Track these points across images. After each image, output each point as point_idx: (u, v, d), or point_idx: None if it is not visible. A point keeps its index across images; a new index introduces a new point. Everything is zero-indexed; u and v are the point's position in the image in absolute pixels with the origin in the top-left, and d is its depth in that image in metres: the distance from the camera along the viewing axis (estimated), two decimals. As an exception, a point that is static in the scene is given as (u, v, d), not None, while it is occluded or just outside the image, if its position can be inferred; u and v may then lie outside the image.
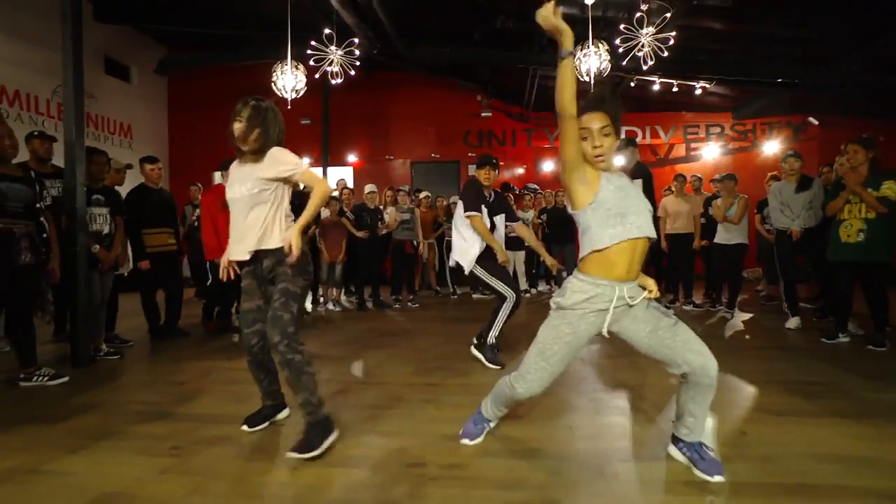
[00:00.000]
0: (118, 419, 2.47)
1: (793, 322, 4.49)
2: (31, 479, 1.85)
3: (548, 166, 10.28)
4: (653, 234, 1.74)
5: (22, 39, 7.54)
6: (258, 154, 2.12)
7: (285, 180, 2.14)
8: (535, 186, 9.58)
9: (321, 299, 6.39)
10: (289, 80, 6.27)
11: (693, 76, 7.58)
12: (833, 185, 4.05)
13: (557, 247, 7.45)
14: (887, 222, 3.63)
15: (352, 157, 10.37)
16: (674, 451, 1.87)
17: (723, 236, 5.54)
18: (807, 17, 5.95)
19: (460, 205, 3.68)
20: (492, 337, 3.44)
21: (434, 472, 1.86)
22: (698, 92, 7.98)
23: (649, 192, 4.96)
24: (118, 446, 2.15)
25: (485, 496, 1.68)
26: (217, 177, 4.58)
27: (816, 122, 8.97)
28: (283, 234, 2.10)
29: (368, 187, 6.40)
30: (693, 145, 9.82)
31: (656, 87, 8.00)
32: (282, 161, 2.10)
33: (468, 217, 3.56)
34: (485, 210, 3.62)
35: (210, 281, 4.73)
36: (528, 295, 7.33)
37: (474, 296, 7.34)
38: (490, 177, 3.68)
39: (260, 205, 2.11)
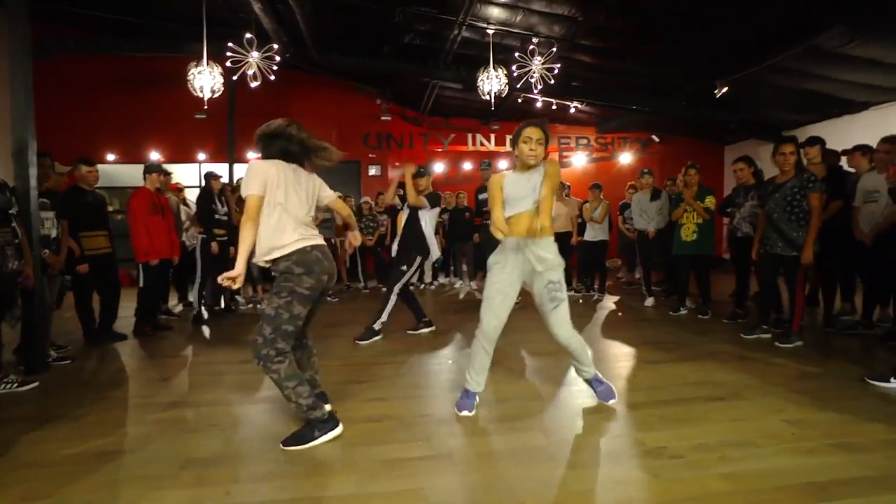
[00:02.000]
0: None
1: (650, 301, 5.88)
2: None
3: (439, 167, 11.17)
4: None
5: None
6: None
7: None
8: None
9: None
10: (206, 80, 6.29)
11: (568, 97, 8.96)
12: (675, 197, 5.44)
13: (458, 243, 8.37)
14: (710, 225, 5.07)
15: (252, 154, 10.26)
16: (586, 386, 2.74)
17: (589, 234, 6.90)
18: (651, 60, 7.54)
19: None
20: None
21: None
22: (572, 110, 9.43)
23: None
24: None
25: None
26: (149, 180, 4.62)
27: (657, 140, 11.06)
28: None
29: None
30: (565, 153, 11.42)
31: (538, 105, 9.28)
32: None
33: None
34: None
35: (142, 283, 4.73)
36: (432, 287, 8.14)
37: (384, 289, 7.94)
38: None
39: None
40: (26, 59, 3.48)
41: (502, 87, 6.94)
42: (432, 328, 4.64)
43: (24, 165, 3.41)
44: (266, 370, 2.18)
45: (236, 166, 9.16)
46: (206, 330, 4.96)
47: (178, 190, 6.34)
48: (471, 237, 8.26)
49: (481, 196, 6.30)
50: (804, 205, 3.73)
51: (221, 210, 5.48)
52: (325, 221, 6.97)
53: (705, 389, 2.87)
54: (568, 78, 8.16)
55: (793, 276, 3.81)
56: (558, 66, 6.86)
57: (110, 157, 9.68)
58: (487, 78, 6.85)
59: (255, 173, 2.18)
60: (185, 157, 10.04)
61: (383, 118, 10.55)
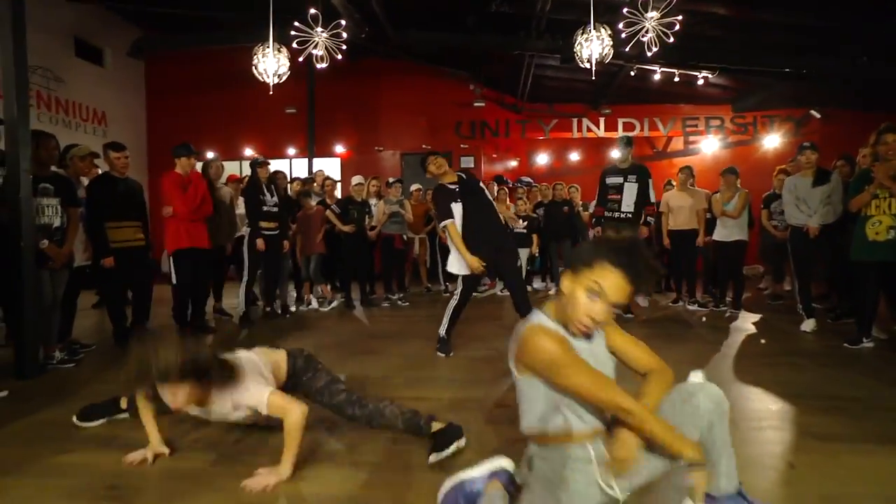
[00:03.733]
0: (49, 446, 2.09)
1: (808, 324, 4.22)
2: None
3: (542, 159, 9.96)
4: None
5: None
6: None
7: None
8: (529, 179, 9.26)
9: (305, 298, 6.00)
10: (270, 64, 5.85)
11: (695, 65, 7.28)
12: (857, 177, 3.76)
13: (554, 242, 7.16)
14: None
15: (339, 148, 9.95)
16: None
17: (721, 232, 5.30)
18: (809, 3, 5.68)
19: None
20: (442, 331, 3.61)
21: None
22: (700, 82, 7.69)
23: (645, 190, 4.80)
24: (43, 485, 1.78)
25: None
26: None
27: (819, 116, 8.73)
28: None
29: (355, 179, 6.02)
30: (692, 138, 9.55)
31: (657, 77, 7.70)
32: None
33: (442, 229, 3.61)
34: (457, 208, 3.54)
35: (175, 278, 4.29)
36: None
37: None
38: (440, 164, 3.69)
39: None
40: (20, 24, 3.06)
41: (605, 50, 5.60)
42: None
43: (15, 145, 3.01)
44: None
45: (317, 160, 8.80)
46: (244, 332, 4.42)
47: (238, 181, 5.96)
48: (569, 234, 7.02)
49: (609, 180, 4.95)
50: None
51: (271, 201, 4.92)
52: (394, 216, 6.19)
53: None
54: (692, 40, 6.53)
55: None
56: (679, 18, 5.37)
57: (209, 154, 9.91)
58: (586, 40, 5.57)
59: None
60: (277, 153, 9.97)
61: (476, 104, 9.63)
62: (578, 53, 5.69)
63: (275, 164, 9.44)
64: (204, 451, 2.03)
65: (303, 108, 9.33)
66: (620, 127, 9.62)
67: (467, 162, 9.96)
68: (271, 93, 5.95)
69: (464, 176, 3.76)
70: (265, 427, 2.06)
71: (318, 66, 5.99)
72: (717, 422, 1.37)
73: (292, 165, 9.85)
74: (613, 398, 1.28)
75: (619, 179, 4.83)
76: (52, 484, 1.79)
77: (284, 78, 6.05)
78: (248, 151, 9.79)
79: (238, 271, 5.15)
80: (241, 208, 5.41)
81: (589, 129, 9.79)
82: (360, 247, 5.88)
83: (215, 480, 1.79)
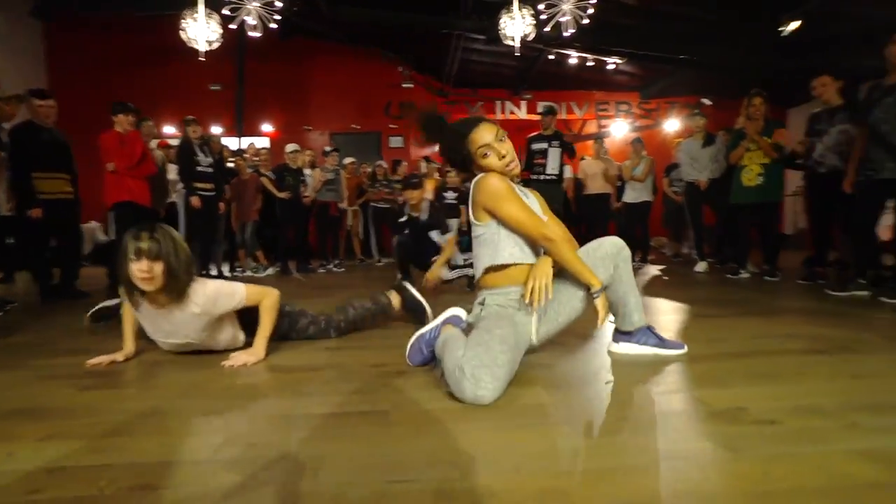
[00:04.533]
0: None
1: (701, 266, 4.92)
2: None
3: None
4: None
5: None
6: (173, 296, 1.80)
7: None
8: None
9: (240, 264, 5.99)
10: (201, 30, 5.75)
11: (607, 51, 7.99)
12: (734, 136, 4.45)
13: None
14: (780, 167, 4.09)
15: (267, 127, 9.79)
16: (625, 347, 1.85)
17: (630, 195, 5.98)
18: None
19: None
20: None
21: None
22: (610, 67, 8.44)
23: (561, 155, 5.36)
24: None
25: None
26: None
27: (709, 103, 9.85)
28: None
29: (290, 146, 6.07)
30: (603, 122, 10.41)
31: (573, 62, 8.34)
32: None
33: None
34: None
35: (116, 233, 4.19)
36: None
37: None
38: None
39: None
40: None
41: (528, 29, 6.07)
42: None
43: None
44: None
45: (245, 139, 8.65)
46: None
47: (167, 147, 5.81)
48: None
49: (535, 146, 5.44)
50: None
51: (205, 161, 4.90)
52: (329, 183, 6.31)
53: (796, 342, 1.98)
54: (605, 27, 7.20)
55: (907, 208, 2.85)
56: (593, 2, 5.95)
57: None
58: (511, 20, 6.01)
59: None
60: (202, 131, 9.61)
61: (405, 85, 9.87)
62: (503, 32, 6.12)
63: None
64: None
65: (228, 85, 9.12)
66: (540, 110, 10.27)
67: (397, 142, 10.19)
68: (202, 58, 5.84)
69: None
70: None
71: (251, 34, 5.97)
72: (622, 263, 1.76)
73: (218, 144, 9.57)
74: (539, 227, 1.65)
75: (544, 145, 5.30)
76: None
77: (215, 45, 5.96)
78: (169, 129, 9.38)
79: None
80: (172, 174, 5.31)
81: (512, 112, 10.36)
82: (295, 214, 5.95)
83: (196, 362, 1.93)
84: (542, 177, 5.35)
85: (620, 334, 1.87)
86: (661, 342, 1.82)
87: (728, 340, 2.03)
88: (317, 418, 1.28)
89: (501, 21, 6.11)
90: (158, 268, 1.71)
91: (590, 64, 8.34)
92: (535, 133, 5.68)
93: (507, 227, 1.71)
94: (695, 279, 4.48)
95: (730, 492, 0.88)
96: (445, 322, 1.77)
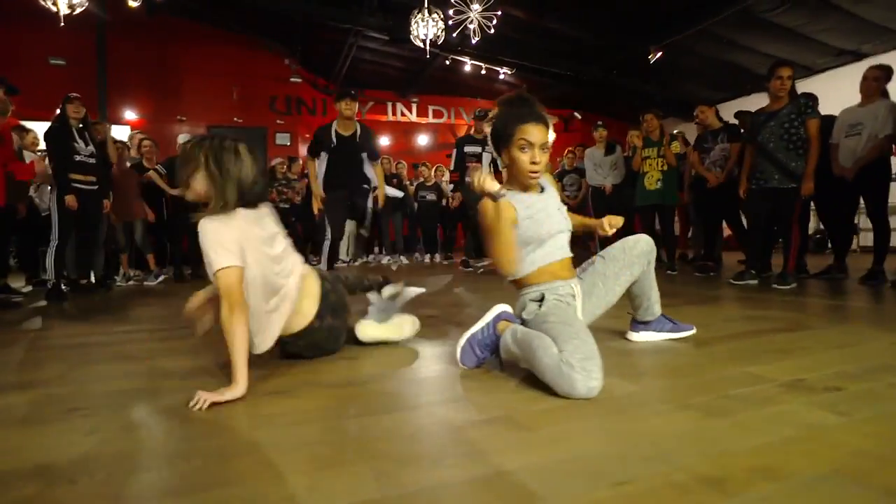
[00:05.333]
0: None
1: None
2: None
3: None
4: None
5: None
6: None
7: None
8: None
9: (123, 270, 5.14)
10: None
11: (500, 61, 8.45)
12: (632, 148, 5.04)
13: (385, 216, 7.49)
14: (676, 173, 4.74)
15: (130, 115, 8.51)
16: (644, 335, 2.01)
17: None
18: (585, 21, 7.24)
19: None
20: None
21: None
22: (502, 76, 8.93)
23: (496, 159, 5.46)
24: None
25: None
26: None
27: (580, 117, 10.98)
28: None
29: (182, 137, 5.39)
30: (487, 129, 10.94)
31: (467, 69, 8.66)
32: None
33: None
34: (324, 157, 4.00)
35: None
36: (355, 263, 7.18)
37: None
38: (352, 108, 3.95)
39: None
40: None
41: (438, 32, 6.18)
42: None
43: None
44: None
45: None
46: (64, 307, 3.62)
47: (22, 129, 4.76)
48: (399, 207, 7.44)
49: (468, 149, 5.37)
50: (802, 132, 3.43)
51: (85, 149, 4.11)
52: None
53: (763, 323, 2.33)
54: (499, 38, 7.62)
55: (790, 210, 3.49)
56: (498, 13, 6.27)
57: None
58: (422, 20, 6.06)
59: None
60: (43, 115, 8.00)
61: (293, 80, 9.34)
62: (414, 32, 6.14)
63: (42, 129, 7.70)
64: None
65: (75, 61, 7.75)
66: (430, 113, 10.48)
67: (283, 139, 9.61)
68: (62, 24, 4.89)
69: (360, 130, 4.08)
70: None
71: (130, 3, 5.16)
72: (651, 261, 1.92)
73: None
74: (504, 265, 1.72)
75: (478, 148, 5.33)
76: None
77: (79, 10, 5.05)
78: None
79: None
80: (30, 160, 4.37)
81: (403, 114, 10.40)
82: (188, 212, 5.27)
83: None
84: None
85: (639, 324, 2.03)
86: (675, 326, 2.02)
87: (710, 326, 2.31)
88: (458, 431, 1.19)
89: (413, 21, 6.12)
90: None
91: (483, 73, 8.74)
92: (465, 135, 5.72)
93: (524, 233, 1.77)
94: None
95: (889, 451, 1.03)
96: (499, 319, 1.75)
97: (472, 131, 5.61)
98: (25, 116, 7.79)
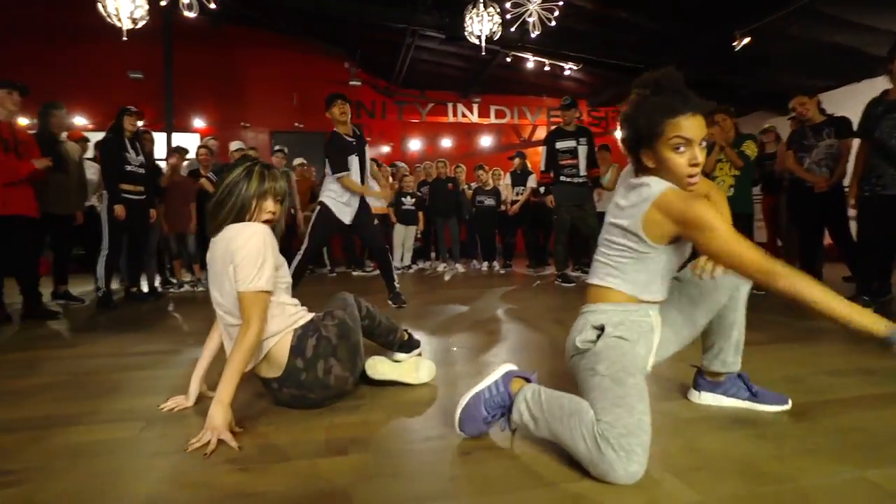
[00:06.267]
0: None
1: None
2: None
3: (414, 144, 9.96)
4: None
5: None
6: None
7: None
8: (403, 164, 9.19)
9: (176, 278, 5.23)
10: (124, 4, 4.94)
11: (563, 55, 7.91)
12: (707, 147, 4.40)
13: (440, 219, 7.21)
14: (749, 178, 4.05)
15: (199, 123, 8.84)
16: (710, 397, 1.57)
17: (600, 205, 5.83)
18: (659, 10, 6.56)
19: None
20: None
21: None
22: (567, 73, 8.37)
23: (592, 152, 4.81)
24: None
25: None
26: None
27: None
28: None
29: (235, 144, 5.41)
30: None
31: (530, 66, 8.19)
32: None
33: (338, 179, 3.45)
34: (354, 162, 3.51)
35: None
36: (410, 270, 6.96)
37: (354, 273, 6.76)
38: (346, 111, 3.52)
39: None
40: None
41: (494, 28, 5.80)
42: None
43: None
44: None
45: (175, 135, 7.72)
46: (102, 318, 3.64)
47: (83, 139, 4.95)
48: (454, 211, 7.13)
49: (561, 145, 4.73)
50: (934, 126, 2.74)
51: (136, 159, 4.15)
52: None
53: (889, 382, 1.77)
54: (562, 31, 7.10)
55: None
56: (560, 2, 5.79)
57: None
58: (477, 16, 5.71)
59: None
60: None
61: (352, 83, 9.30)
62: (469, 29, 5.80)
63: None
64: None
65: (151, 74, 8.12)
66: (493, 114, 10.10)
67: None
68: (125, 38, 5.04)
69: (357, 131, 3.66)
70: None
71: (187, 14, 5.24)
72: (744, 290, 1.45)
73: (139, 139, 8.51)
74: (764, 262, 1.16)
75: (572, 143, 4.68)
76: None
77: (141, 24, 5.17)
78: (80, 120, 8.21)
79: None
80: (91, 172, 4.51)
81: (464, 115, 10.09)
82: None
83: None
84: (576, 179, 4.69)
85: (706, 380, 1.58)
86: (755, 396, 1.54)
87: (807, 383, 1.79)
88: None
89: (467, 18, 5.78)
90: None
91: (546, 69, 8.23)
92: (555, 129, 4.95)
93: (674, 257, 1.35)
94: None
95: None
96: (510, 377, 1.38)
97: (562, 124, 4.85)
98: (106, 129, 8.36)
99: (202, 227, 5.28)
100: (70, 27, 7.73)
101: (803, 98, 3.84)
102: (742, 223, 3.98)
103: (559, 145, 4.72)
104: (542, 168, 4.87)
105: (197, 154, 5.57)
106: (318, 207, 3.58)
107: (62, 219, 4.04)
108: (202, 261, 5.48)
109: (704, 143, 1.29)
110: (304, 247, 3.51)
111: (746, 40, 6.42)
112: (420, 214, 7.10)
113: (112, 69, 7.94)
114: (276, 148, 6.08)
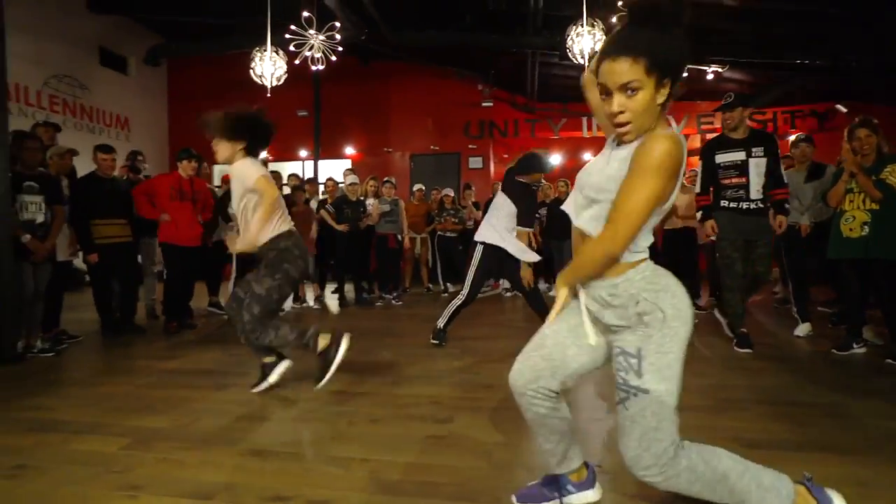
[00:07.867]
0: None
1: (802, 329, 3.96)
2: None
3: (554, 159, 9.77)
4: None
5: (12, 29, 7.46)
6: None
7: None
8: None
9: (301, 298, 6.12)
10: (268, 68, 5.99)
11: (705, 59, 7.02)
12: (835, 171, 3.53)
13: (556, 242, 6.98)
14: (893, 213, 3.11)
15: (349, 150, 10.07)
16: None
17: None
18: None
19: (506, 202, 3.63)
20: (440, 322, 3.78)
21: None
22: (710, 77, 7.41)
23: (776, 166, 3.51)
24: None
25: None
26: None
27: (845, 110, 8.26)
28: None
29: (349, 178, 6.07)
30: (708, 136, 9.20)
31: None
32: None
33: (519, 231, 3.59)
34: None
35: (166, 274, 4.48)
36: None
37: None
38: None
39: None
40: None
41: (597, 45, 5.47)
42: None
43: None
44: (248, 342, 2.58)
45: (327, 162, 8.97)
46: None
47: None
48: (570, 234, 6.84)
49: (722, 158, 3.52)
50: None
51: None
52: (387, 215, 6.21)
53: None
54: (700, 31, 6.32)
55: None
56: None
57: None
58: (577, 35, 5.47)
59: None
60: (289, 156, 10.17)
61: (485, 104, 9.56)
62: (570, 49, 5.58)
63: (289, 167, 9.73)
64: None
65: (313, 111, 9.53)
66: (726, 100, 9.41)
67: (476, 162, 9.93)
68: (269, 95, 6.08)
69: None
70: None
71: (314, 67, 6.10)
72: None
73: (304, 168, 10.05)
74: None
75: (741, 155, 3.44)
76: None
77: (282, 80, 6.19)
78: (262, 154, 10.01)
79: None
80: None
81: (599, 128, 9.57)
82: (354, 246, 5.94)
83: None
84: (744, 204, 3.44)
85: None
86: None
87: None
88: None
89: (569, 38, 5.58)
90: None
91: (685, 75, 7.38)
92: (714, 139, 3.76)
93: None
94: (786, 351, 3.61)
95: None
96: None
97: (725, 130, 3.60)
98: (283, 158, 10.06)
99: (330, 254, 6.12)
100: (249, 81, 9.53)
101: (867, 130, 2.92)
102: (886, 272, 3.11)
103: (720, 159, 3.51)
104: (698, 191, 3.69)
105: (325, 185, 6.41)
106: (484, 248, 3.63)
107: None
108: (321, 281, 6.31)
109: (631, 92, 1.14)
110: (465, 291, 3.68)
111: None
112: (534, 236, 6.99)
113: (284, 110, 9.51)
114: (386, 179, 6.57)
